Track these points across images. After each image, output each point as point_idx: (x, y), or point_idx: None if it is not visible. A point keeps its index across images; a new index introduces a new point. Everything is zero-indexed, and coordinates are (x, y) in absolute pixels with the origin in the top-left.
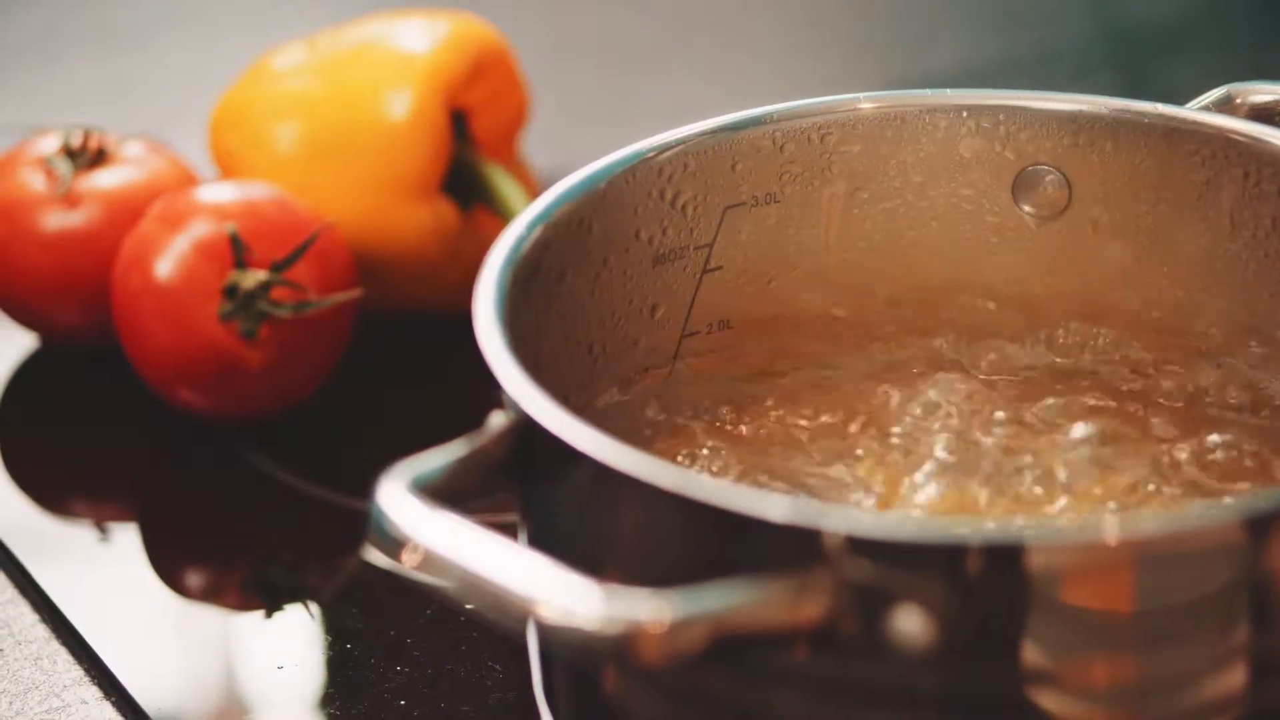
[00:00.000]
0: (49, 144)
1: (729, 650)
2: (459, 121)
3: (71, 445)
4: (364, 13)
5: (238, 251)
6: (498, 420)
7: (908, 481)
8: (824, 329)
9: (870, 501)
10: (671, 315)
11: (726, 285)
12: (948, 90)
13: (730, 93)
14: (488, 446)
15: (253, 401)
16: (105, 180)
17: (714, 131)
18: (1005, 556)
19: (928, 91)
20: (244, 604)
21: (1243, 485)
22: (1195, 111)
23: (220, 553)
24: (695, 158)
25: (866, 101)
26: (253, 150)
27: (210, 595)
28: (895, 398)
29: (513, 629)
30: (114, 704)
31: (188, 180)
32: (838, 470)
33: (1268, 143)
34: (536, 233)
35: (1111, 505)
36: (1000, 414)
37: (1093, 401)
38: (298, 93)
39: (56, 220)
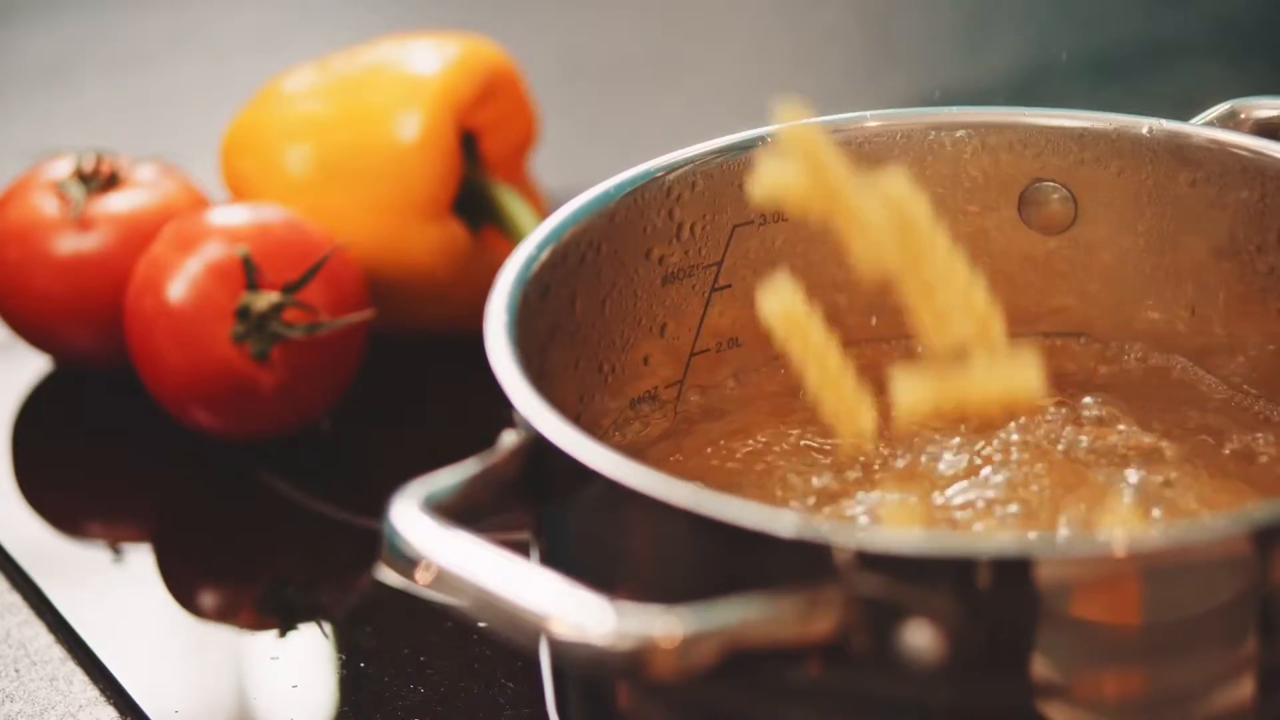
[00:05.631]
0: (61, 168)
1: (741, 665)
2: (469, 143)
3: (85, 467)
4: (374, 35)
5: (250, 273)
6: (509, 439)
7: (920, 494)
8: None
9: (883, 515)
10: (681, 333)
11: (735, 303)
12: (954, 108)
13: (737, 112)
14: (499, 465)
15: (265, 422)
16: (118, 203)
17: (721, 151)
18: (1014, 570)
19: (934, 109)
20: (258, 623)
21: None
22: (1200, 127)
23: (234, 572)
24: (703, 177)
25: (873, 119)
26: (264, 172)
27: (224, 615)
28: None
29: (525, 646)
30: None
31: (199, 203)
32: (851, 483)
33: (1272, 158)
34: (546, 253)
35: (1116, 517)
36: (1008, 426)
37: (1095, 414)
38: (309, 115)
39: (69, 244)
